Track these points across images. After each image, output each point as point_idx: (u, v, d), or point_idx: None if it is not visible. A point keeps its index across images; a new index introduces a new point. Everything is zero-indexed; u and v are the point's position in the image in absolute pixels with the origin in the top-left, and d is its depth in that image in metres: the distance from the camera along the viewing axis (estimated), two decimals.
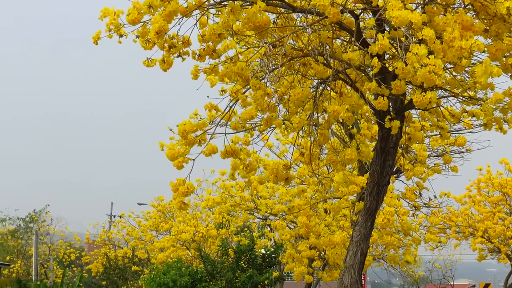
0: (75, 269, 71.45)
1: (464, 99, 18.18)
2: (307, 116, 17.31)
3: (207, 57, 16.00)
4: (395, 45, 14.67)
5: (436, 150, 30.18)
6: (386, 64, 15.89)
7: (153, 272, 41.24)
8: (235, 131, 17.16)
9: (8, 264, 74.53)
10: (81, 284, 45.80)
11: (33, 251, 66.20)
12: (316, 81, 17.48)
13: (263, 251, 39.52)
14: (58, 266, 73.82)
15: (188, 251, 46.94)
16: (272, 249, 40.17)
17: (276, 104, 17.12)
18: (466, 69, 16.56)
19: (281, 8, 16.18)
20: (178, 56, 15.63)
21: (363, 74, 16.89)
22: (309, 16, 16.02)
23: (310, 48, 16.52)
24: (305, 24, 16.41)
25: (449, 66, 16.19)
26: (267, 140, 18.94)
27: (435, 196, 33.45)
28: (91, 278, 65.48)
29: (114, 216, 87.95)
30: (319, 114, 17.63)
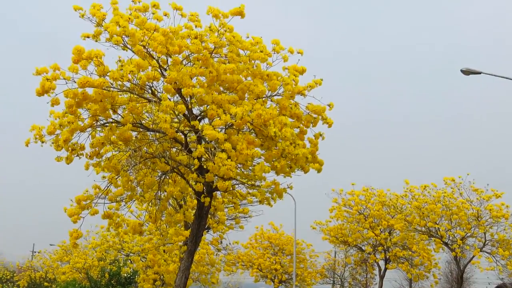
0: (10, 284, 68.52)
1: (248, 185, 18.33)
2: (154, 194, 17.27)
3: (94, 157, 15.94)
4: (207, 152, 14.73)
5: (231, 215, 30.25)
6: (203, 163, 15.95)
7: (58, 287, 40.02)
8: (111, 201, 16.89)
9: None
10: None
11: None
12: (160, 173, 17.39)
13: (125, 274, 38.86)
14: None
15: (80, 274, 45.86)
16: (131, 273, 39.52)
17: (136, 186, 17.04)
18: (250, 167, 16.73)
19: (140, 128, 16.15)
20: (76, 156, 15.49)
21: (188, 169, 16.93)
22: (157, 134, 16.04)
23: (157, 153, 16.52)
24: (154, 138, 16.44)
25: (240, 165, 16.32)
26: (130, 207, 18.69)
27: (230, 243, 33.78)
28: None
29: (35, 252, 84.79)
30: (161, 193, 17.55)
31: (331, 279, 59.25)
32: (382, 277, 44.92)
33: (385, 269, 44.40)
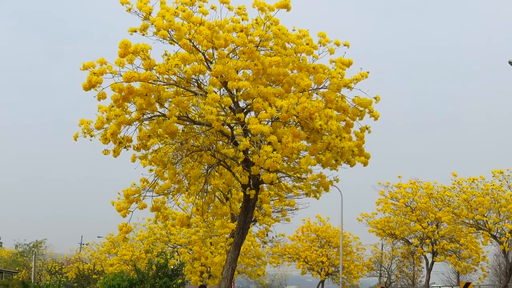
0: (58, 276, 69.59)
1: (294, 178, 18.23)
2: (201, 187, 17.27)
3: (141, 149, 15.99)
4: (253, 145, 14.65)
5: (277, 208, 30.20)
6: (248, 156, 15.87)
7: (105, 279, 40.48)
8: (158, 194, 16.93)
9: (17, 272, 73.02)
10: (62, 285, 44.77)
11: (33, 264, 64.78)
12: (207, 165, 17.37)
13: (172, 266, 39.13)
14: (47, 274, 72.18)
15: (127, 266, 46.37)
16: (178, 265, 39.80)
17: (182, 179, 17.05)
18: (296, 160, 16.64)
19: (186, 121, 16.14)
20: (124, 148, 15.51)
21: (234, 162, 16.87)
22: (203, 127, 16.02)
23: (203, 146, 16.51)
24: (200, 131, 16.42)
25: (286, 158, 16.23)
26: (177, 200, 18.80)
27: (276, 236, 33.79)
28: (68, 282, 64.05)
29: (83, 244, 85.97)
30: (208, 185, 17.54)
31: (378, 271, 58.87)
32: (429, 270, 44.55)
33: (433, 262, 43.97)
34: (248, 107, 15.83)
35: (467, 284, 37.93)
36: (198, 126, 16.54)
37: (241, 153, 15.65)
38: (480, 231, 38.42)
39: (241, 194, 18.75)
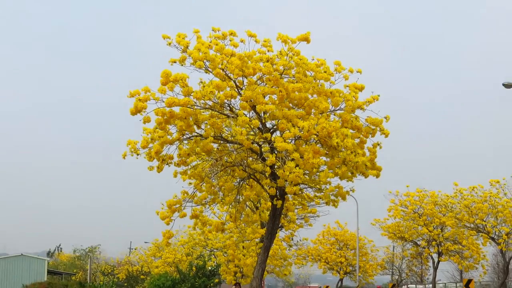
0: (111, 276, 69.80)
1: (315, 188, 18.12)
2: (234, 197, 17.27)
3: (182, 165, 16.05)
4: (279, 160, 14.61)
5: (301, 215, 30.00)
6: (275, 170, 15.82)
7: (152, 279, 40.52)
8: (196, 204, 16.96)
9: (75, 274, 73.34)
10: (114, 285, 44.94)
11: (88, 267, 65.06)
12: (239, 179, 17.37)
13: (209, 267, 39.04)
14: (101, 275, 72.49)
15: (170, 267, 46.37)
16: (215, 266, 39.71)
17: (218, 190, 17.05)
18: (316, 173, 16.55)
19: (220, 140, 16.16)
20: (166, 164, 15.60)
21: (263, 175, 16.85)
22: (235, 145, 16.04)
23: (235, 162, 16.54)
24: (233, 149, 16.44)
25: (307, 172, 16.16)
26: (213, 209, 18.79)
27: (300, 240, 33.62)
28: (119, 282, 64.22)
29: (132, 248, 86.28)
30: (240, 196, 17.53)
31: (390, 270, 58.59)
32: (435, 269, 44.12)
33: (438, 261, 43.55)
34: (274, 127, 15.84)
35: (469, 280, 37.41)
36: (230, 144, 16.59)
37: (268, 168, 15.68)
38: (480, 233, 38.11)
39: (269, 203, 18.73)
